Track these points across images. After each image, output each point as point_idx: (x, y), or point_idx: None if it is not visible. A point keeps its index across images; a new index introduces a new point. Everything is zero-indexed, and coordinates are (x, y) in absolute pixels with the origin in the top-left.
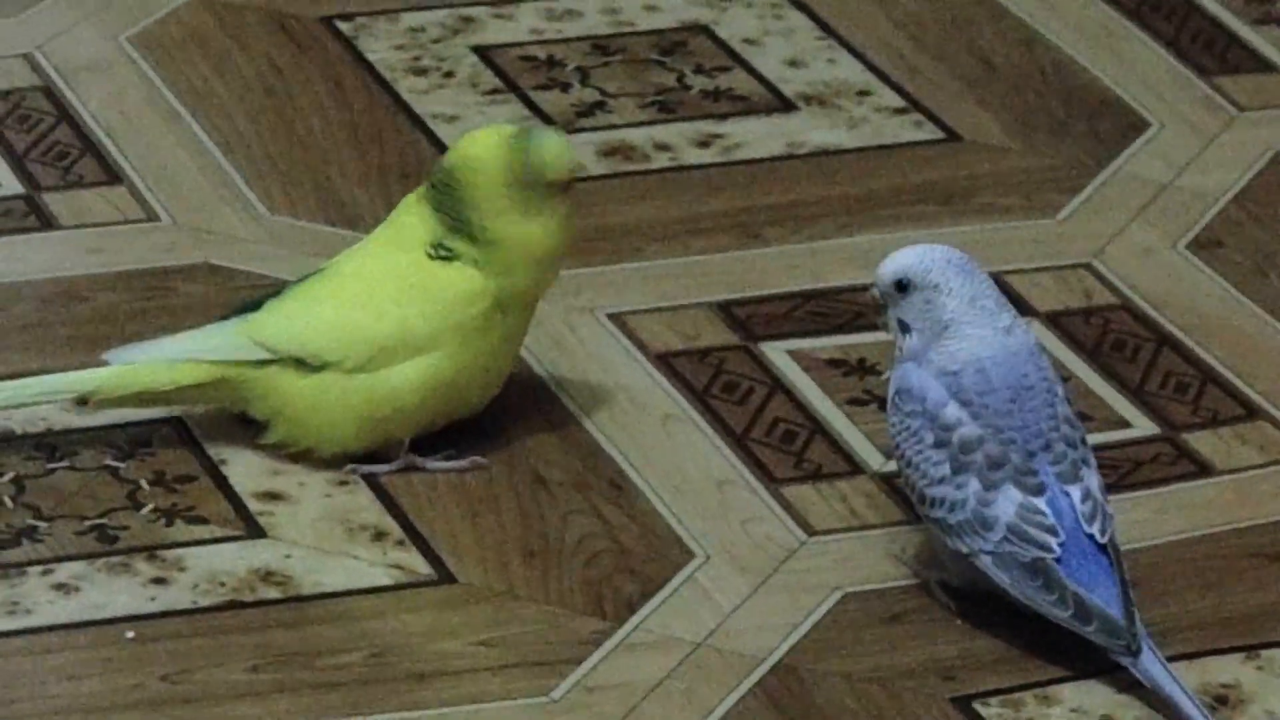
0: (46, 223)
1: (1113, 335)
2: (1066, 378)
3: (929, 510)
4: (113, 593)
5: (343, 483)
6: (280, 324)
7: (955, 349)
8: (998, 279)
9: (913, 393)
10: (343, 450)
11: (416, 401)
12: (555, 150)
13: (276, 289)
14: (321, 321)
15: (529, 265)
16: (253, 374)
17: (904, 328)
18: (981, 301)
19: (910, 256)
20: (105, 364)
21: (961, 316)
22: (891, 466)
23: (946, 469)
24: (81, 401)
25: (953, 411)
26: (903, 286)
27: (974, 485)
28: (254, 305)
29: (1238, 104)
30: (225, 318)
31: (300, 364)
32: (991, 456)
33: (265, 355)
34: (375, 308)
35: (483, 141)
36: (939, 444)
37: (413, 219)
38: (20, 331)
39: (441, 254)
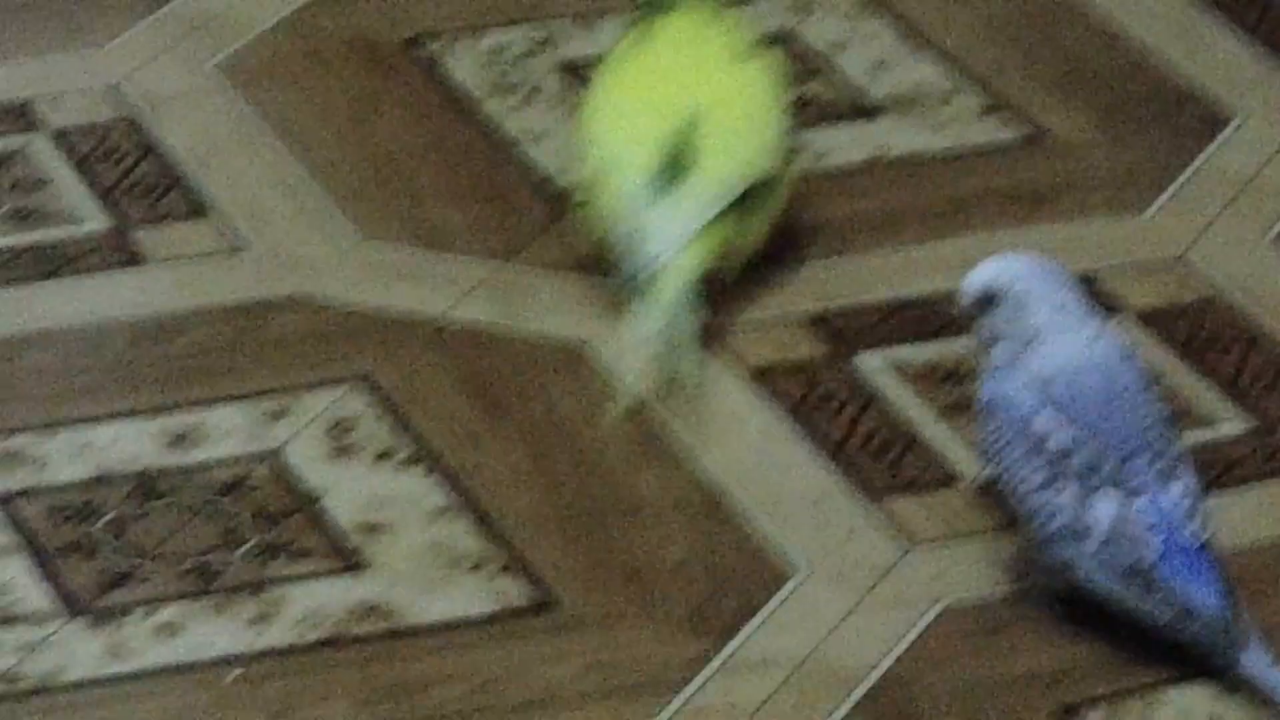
0: (135, 259)
1: (1204, 331)
2: (1158, 376)
3: (1027, 519)
4: (216, 632)
5: (442, 512)
6: (733, 163)
7: (1044, 358)
8: (1087, 278)
9: (1004, 402)
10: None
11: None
12: None
13: (671, 156)
14: (761, 144)
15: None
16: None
17: (992, 340)
18: (1068, 308)
19: (994, 269)
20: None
21: (1048, 325)
22: (988, 474)
23: (1042, 477)
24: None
25: (1045, 419)
26: (988, 300)
27: (1071, 492)
28: (671, 174)
29: None
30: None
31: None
32: (1087, 462)
33: (739, 193)
34: (779, 113)
35: None
36: (1033, 452)
37: (717, 41)
38: (111, 370)
39: (754, 50)
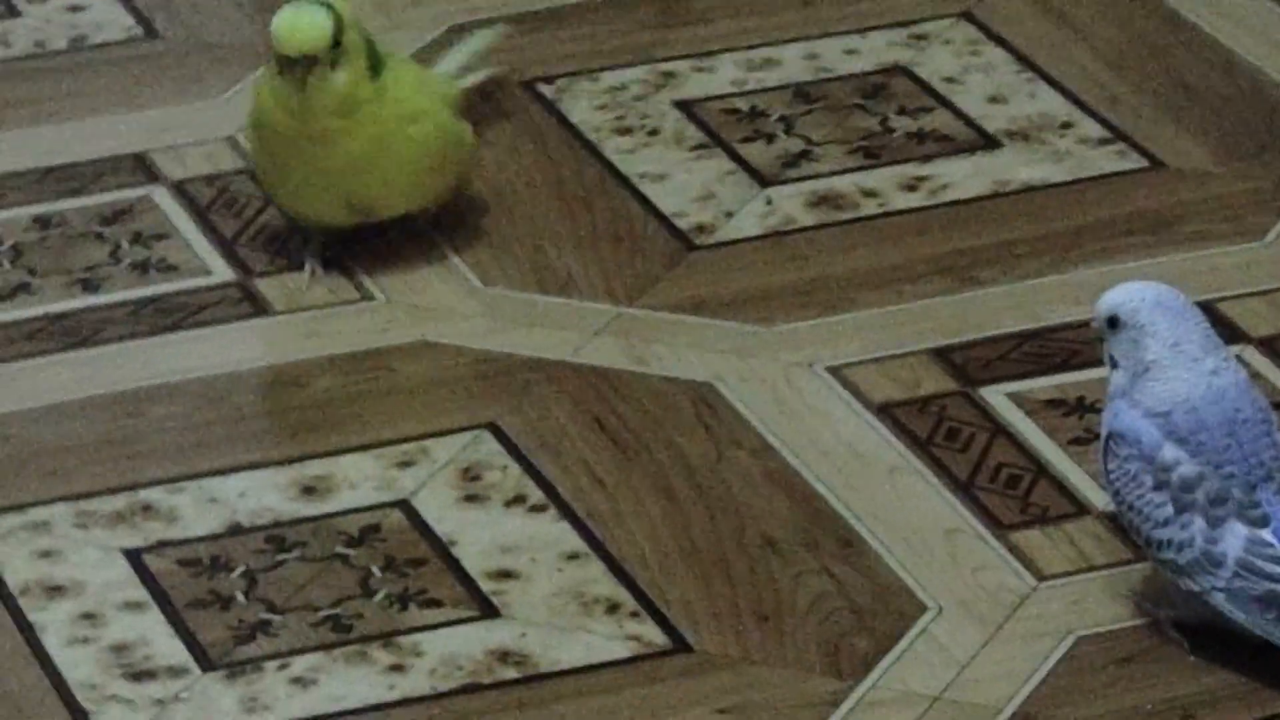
0: (260, 309)
1: None
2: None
3: (1156, 552)
4: (351, 683)
5: (573, 556)
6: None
7: (1159, 390)
8: (1209, 307)
9: (1127, 437)
10: None
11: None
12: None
13: None
14: None
15: None
16: None
17: (1113, 363)
18: (1184, 346)
19: (1122, 294)
20: None
21: (1162, 359)
22: (1112, 508)
23: (1170, 510)
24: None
25: (1170, 452)
26: (1113, 323)
27: (1199, 524)
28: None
29: None
30: None
31: None
32: (1213, 493)
33: None
34: None
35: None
36: (1159, 485)
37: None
38: (239, 420)
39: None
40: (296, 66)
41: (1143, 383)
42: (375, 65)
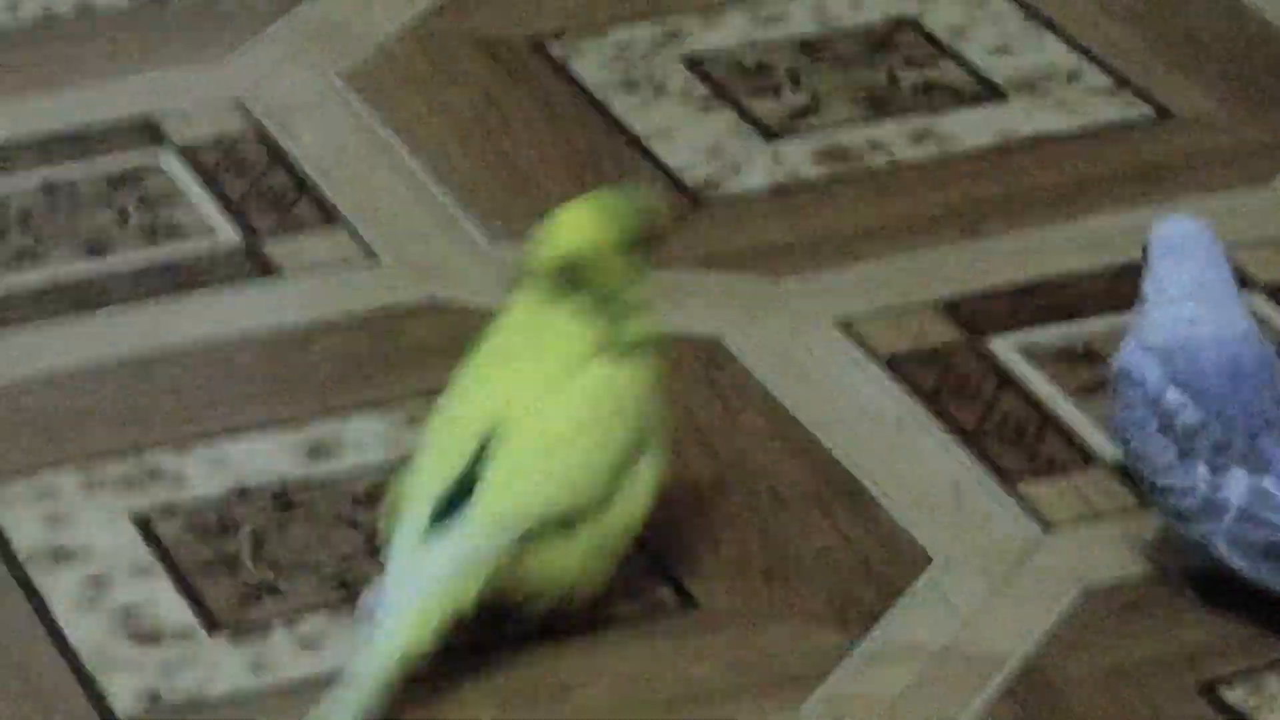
0: (267, 270)
1: None
2: None
3: (1159, 498)
4: (357, 644)
5: None
6: (512, 499)
7: (1144, 325)
8: None
9: (1132, 376)
10: (593, 593)
11: (651, 503)
12: (651, 204)
13: (455, 480)
14: (558, 473)
15: (653, 318)
16: (517, 558)
17: (1142, 296)
18: (1168, 287)
19: (1160, 225)
20: (363, 607)
21: (1148, 295)
22: (1119, 454)
23: (1173, 456)
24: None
25: (1173, 397)
26: (1145, 253)
27: (1201, 470)
28: (455, 499)
29: None
30: (433, 523)
31: (560, 525)
32: (1216, 440)
33: (519, 534)
34: (593, 437)
35: (580, 226)
36: (1163, 430)
37: (560, 331)
38: (246, 383)
39: (621, 351)
40: None
41: (1138, 316)
42: None
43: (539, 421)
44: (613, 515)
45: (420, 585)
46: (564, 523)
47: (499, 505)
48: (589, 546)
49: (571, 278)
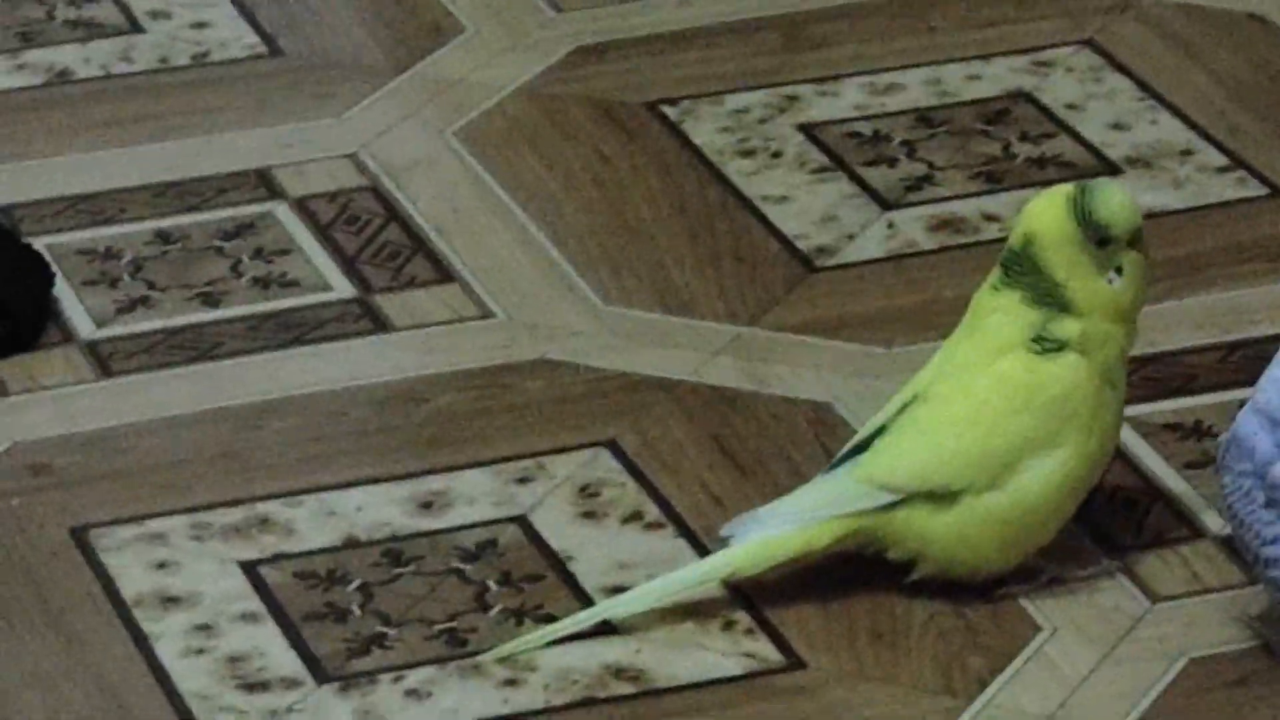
0: (380, 325)
1: None
2: None
3: (1265, 570)
4: (465, 696)
5: None
6: (898, 462)
7: (1260, 392)
8: None
9: (1243, 445)
10: (990, 573)
11: (1054, 506)
12: (1116, 202)
13: (875, 428)
14: (941, 450)
15: (1123, 325)
16: (884, 519)
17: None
18: None
19: None
20: (723, 539)
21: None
22: (1227, 528)
23: (1279, 528)
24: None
25: None
26: None
27: None
28: (858, 449)
29: None
30: (830, 468)
31: (931, 498)
32: None
33: (891, 497)
34: (990, 422)
35: (1044, 212)
36: (1270, 504)
37: (999, 317)
38: (358, 437)
39: (1048, 346)
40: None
41: (1263, 386)
42: None
43: (947, 398)
44: (1000, 500)
45: (781, 516)
46: (940, 496)
47: (872, 467)
48: (966, 525)
49: (1021, 263)
